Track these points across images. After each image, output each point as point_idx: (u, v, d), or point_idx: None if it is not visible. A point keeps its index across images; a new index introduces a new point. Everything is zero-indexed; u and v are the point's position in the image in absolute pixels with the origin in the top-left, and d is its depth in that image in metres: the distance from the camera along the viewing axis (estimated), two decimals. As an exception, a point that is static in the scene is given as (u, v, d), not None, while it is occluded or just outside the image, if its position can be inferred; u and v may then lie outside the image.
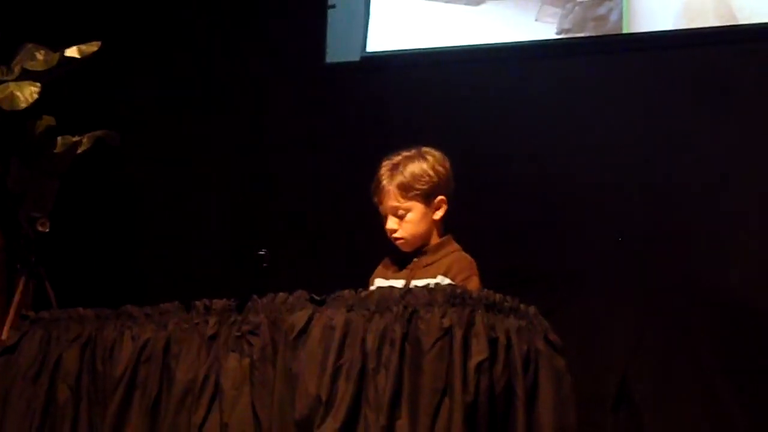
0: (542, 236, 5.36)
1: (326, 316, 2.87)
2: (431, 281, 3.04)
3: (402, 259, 3.55)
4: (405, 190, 3.47)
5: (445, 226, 3.57)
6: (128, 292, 5.31)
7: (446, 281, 3.29)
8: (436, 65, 5.83)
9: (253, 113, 6.08)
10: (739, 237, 5.05)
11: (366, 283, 3.51)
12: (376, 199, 3.53)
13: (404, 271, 3.50)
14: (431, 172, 3.49)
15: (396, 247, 3.55)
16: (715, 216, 5.10)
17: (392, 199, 3.49)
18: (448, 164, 3.55)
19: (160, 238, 6.01)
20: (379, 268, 3.59)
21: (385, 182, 3.50)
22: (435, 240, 3.53)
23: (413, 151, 3.53)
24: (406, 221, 3.49)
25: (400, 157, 3.52)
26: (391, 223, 3.50)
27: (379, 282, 3.43)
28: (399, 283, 3.26)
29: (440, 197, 3.52)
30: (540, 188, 5.41)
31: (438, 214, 3.52)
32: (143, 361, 3.11)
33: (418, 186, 3.47)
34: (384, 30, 6.03)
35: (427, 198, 3.49)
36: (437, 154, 3.54)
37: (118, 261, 5.98)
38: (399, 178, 3.47)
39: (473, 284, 3.34)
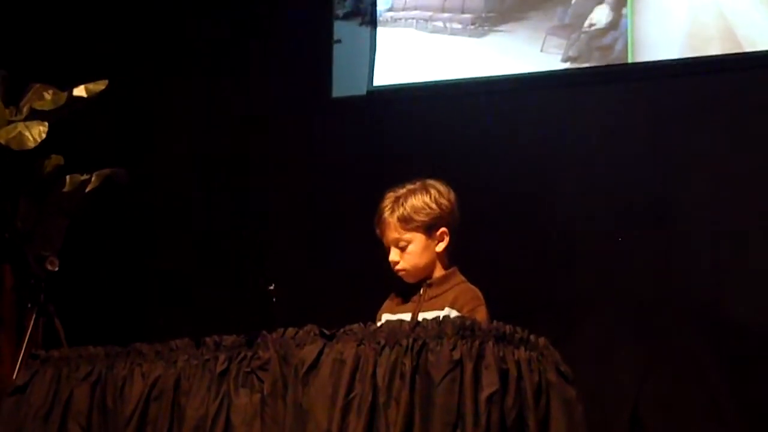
0: (548, 266, 5.37)
1: (336, 350, 2.86)
2: (438, 314, 3.04)
3: (408, 292, 3.55)
4: (405, 221, 3.49)
5: (450, 258, 3.57)
6: (138, 329, 5.32)
7: (453, 313, 3.30)
8: (443, 98, 5.85)
9: (260, 148, 6.10)
10: (745, 261, 5.05)
11: (374, 316, 3.52)
12: (378, 231, 3.54)
13: (410, 305, 3.50)
14: (433, 205, 3.50)
15: (401, 281, 3.55)
16: (722, 241, 5.11)
17: (393, 230, 3.50)
18: (453, 197, 3.55)
19: (169, 275, 6.02)
20: (386, 303, 3.59)
21: (386, 215, 3.51)
22: (439, 272, 3.54)
23: (417, 184, 3.55)
24: (407, 252, 3.50)
25: (403, 191, 3.53)
26: (393, 254, 3.51)
27: (386, 317, 3.43)
28: (406, 317, 3.27)
29: (442, 229, 3.52)
30: (546, 217, 5.42)
31: (440, 246, 3.52)
32: (154, 398, 3.10)
33: (417, 218, 3.48)
34: (390, 64, 6.05)
35: (428, 230, 3.50)
36: (441, 187, 3.55)
37: (128, 298, 5.98)
38: (400, 211, 3.49)
39: (480, 314, 3.35)
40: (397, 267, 3.51)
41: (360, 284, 5.13)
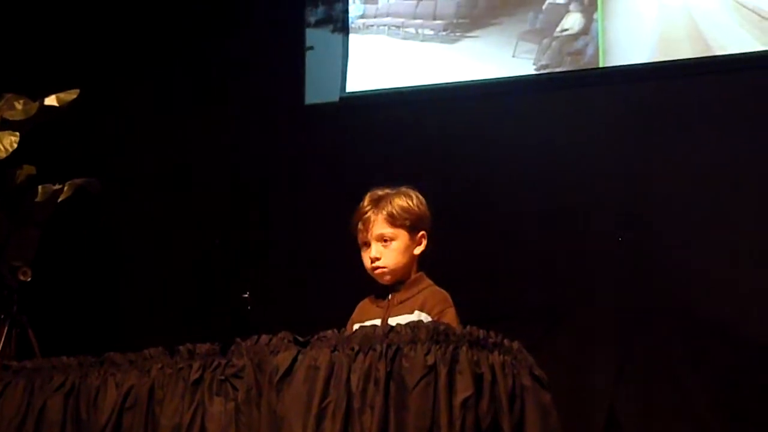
0: (522, 270, 5.38)
1: (310, 357, 2.86)
2: (408, 317, 3.03)
3: (376, 299, 3.56)
4: (393, 218, 3.53)
5: (419, 264, 3.59)
6: (111, 338, 5.30)
7: (423, 316, 3.33)
8: (415, 104, 5.86)
9: (233, 156, 6.09)
10: (717, 261, 5.08)
11: (345, 322, 3.52)
12: (360, 227, 3.55)
13: (379, 310, 3.51)
14: (415, 208, 3.56)
15: (377, 287, 3.54)
16: (692, 242, 5.14)
17: (379, 226, 3.52)
18: (426, 205, 3.59)
19: (142, 284, 6.00)
20: (355, 312, 3.60)
21: (371, 212, 3.54)
22: (409, 277, 3.55)
23: (394, 190, 3.59)
24: (390, 249, 3.52)
25: (383, 192, 3.58)
26: (375, 250, 3.52)
27: (356, 327, 3.41)
28: (376, 323, 3.26)
29: (422, 232, 3.56)
30: (519, 222, 5.43)
31: (418, 249, 3.55)
32: (128, 408, 3.08)
33: (405, 216, 3.53)
34: (362, 70, 6.06)
35: (412, 230, 3.54)
36: (417, 193, 3.60)
37: (101, 308, 5.96)
38: (387, 208, 3.53)
39: (449, 316, 3.38)
40: (378, 263, 3.51)
41: (334, 290, 5.13)
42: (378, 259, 3.51)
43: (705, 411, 4.91)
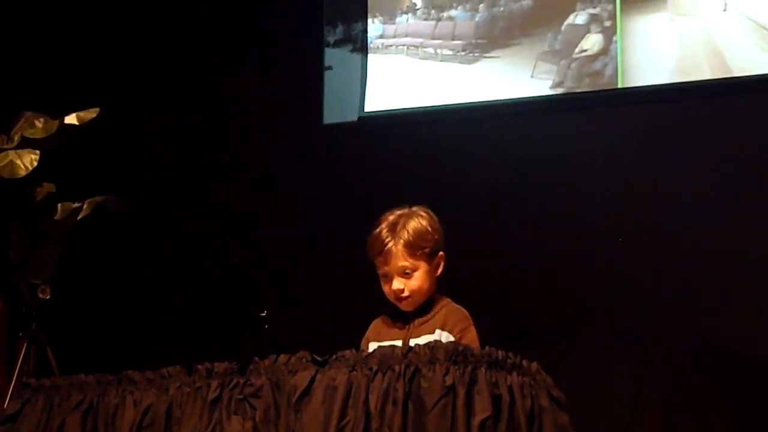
0: (539, 289, 5.37)
1: (328, 376, 2.85)
2: (430, 337, 3.01)
3: (395, 319, 3.53)
4: (412, 248, 3.46)
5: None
6: (129, 356, 5.31)
7: (444, 335, 3.32)
8: (434, 123, 5.86)
9: (252, 175, 6.10)
10: (734, 284, 5.06)
11: (358, 342, 3.51)
12: (381, 259, 3.49)
13: (400, 331, 3.48)
14: (430, 230, 3.50)
15: (393, 307, 3.52)
16: (710, 265, 5.12)
17: (400, 258, 3.46)
18: (437, 221, 3.55)
19: (161, 302, 6.01)
20: (371, 330, 3.57)
21: (390, 244, 3.46)
22: (433, 298, 3.53)
23: (406, 210, 3.53)
24: (413, 280, 3.47)
25: (395, 216, 3.51)
26: (398, 283, 3.47)
27: (373, 346, 3.39)
28: (397, 344, 3.24)
29: (441, 254, 3.52)
30: (537, 241, 5.42)
31: (438, 271, 3.52)
32: (146, 426, 3.08)
33: (423, 244, 3.47)
34: (381, 90, 6.07)
35: (431, 256, 3.50)
36: (429, 211, 3.55)
37: (119, 326, 5.97)
38: (405, 236, 3.46)
39: (471, 335, 3.36)
40: (403, 295, 3.47)
41: (350, 310, 5.13)
42: (402, 290, 3.48)
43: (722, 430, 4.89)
